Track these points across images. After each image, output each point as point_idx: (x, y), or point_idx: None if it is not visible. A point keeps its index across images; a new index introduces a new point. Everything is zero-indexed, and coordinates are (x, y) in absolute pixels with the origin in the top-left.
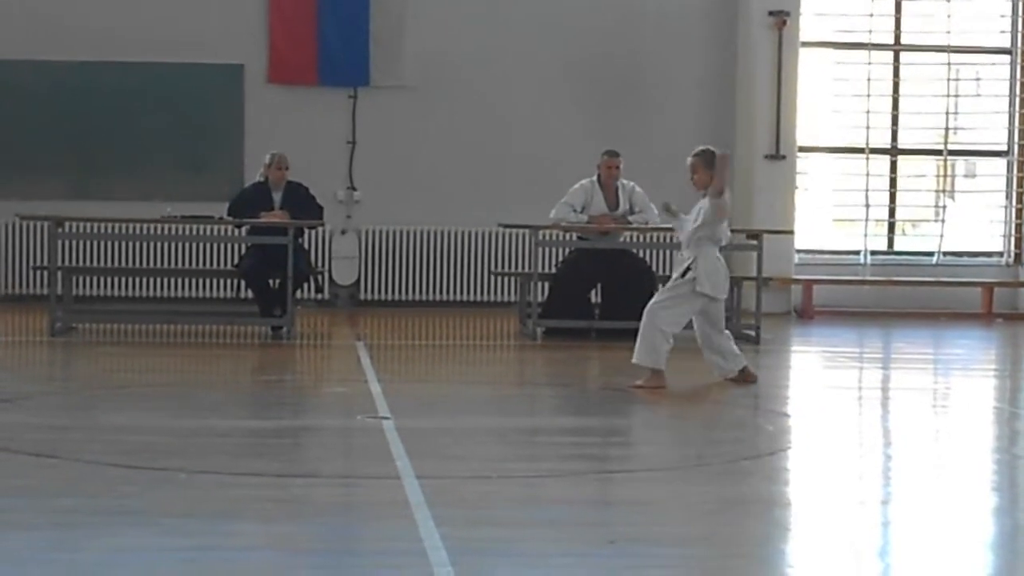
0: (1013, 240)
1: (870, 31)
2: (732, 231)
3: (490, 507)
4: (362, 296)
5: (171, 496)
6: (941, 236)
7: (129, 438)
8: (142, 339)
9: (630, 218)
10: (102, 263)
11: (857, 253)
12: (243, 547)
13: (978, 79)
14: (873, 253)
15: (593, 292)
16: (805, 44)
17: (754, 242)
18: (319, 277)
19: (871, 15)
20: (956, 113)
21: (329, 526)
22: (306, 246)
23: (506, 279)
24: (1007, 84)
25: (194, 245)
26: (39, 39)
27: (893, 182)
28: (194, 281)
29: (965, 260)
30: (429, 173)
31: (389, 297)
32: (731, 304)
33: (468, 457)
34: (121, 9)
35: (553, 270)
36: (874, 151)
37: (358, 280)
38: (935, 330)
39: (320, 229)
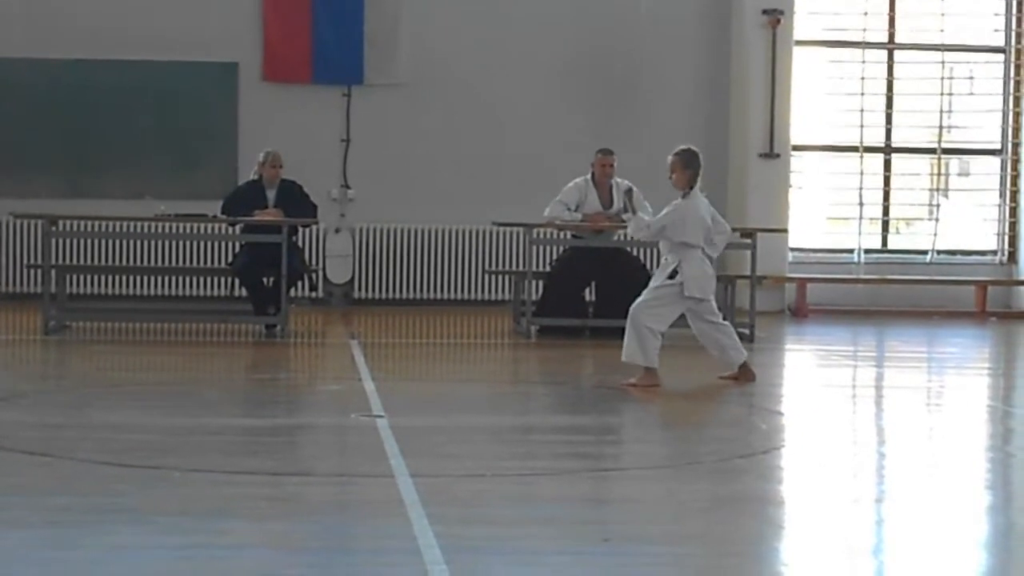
0: (1006, 238)
1: (864, 29)
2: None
3: (484, 505)
4: (356, 294)
5: (165, 494)
6: (935, 234)
7: (123, 436)
8: (136, 337)
9: (624, 217)
10: (96, 261)
11: (851, 251)
12: (237, 545)
13: (972, 77)
14: (867, 251)
15: (587, 290)
16: (799, 43)
17: (748, 240)
18: (313, 275)
19: (865, 13)
20: (950, 111)
21: (323, 524)
22: (300, 244)
23: (500, 277)
24: (1001, 82)
25: (188, 243)
26: (33, 37)
27: (887, 180)
28: (188, 279)
29: (959, 258)
30: (423, 171)
31: (383, 295)
32: (725, 302)
33: (462, 455)
34: (115, 7)
35: (547, 268)
36: (868, 149)
37: (352, 278)
38: (929, 328)
39: (314, 227)
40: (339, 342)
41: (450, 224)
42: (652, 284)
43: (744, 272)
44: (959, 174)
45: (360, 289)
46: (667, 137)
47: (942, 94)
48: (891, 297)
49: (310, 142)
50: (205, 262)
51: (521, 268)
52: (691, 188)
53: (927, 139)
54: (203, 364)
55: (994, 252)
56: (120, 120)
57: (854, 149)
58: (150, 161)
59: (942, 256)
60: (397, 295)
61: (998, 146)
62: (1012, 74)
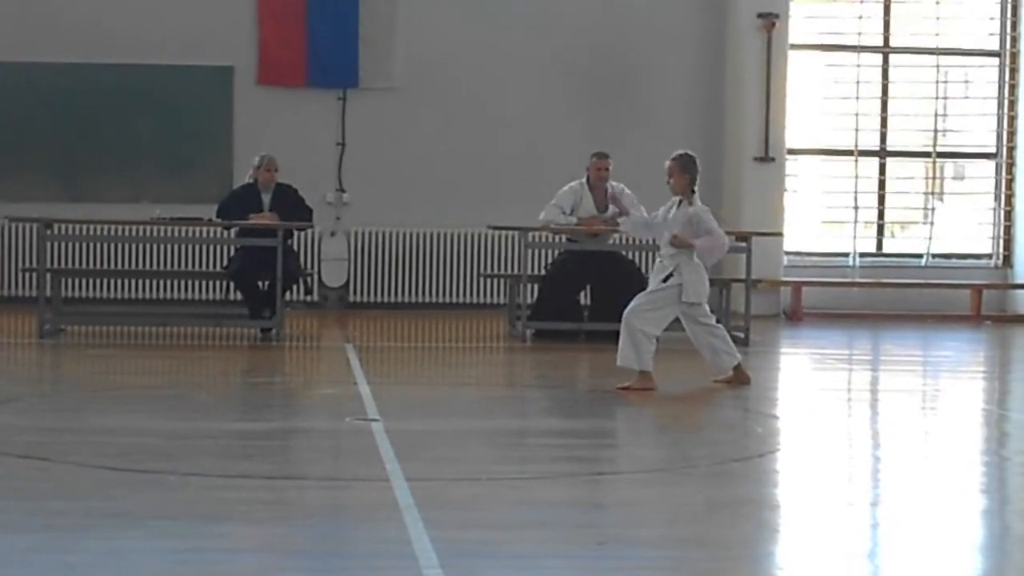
0: (1002, 242)
1: (859, 33)
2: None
3: (479, 509)
4: (351, 298)
5: (161, 498)
6: (930, 238)
7: (119, 440)
8: (131, 341)
9: (619, 220)
10: (91, 265)
11: (846, 255)
12: (232, 549)
13: (967, 81)
14: (862, 255)
15: (582, 294)
16: (794, 46)
17: (743, 244)
18: (308, 279)
19: (860, 17)
20: (945, 115)
21: (318, 528)
22: (295, 248)
23: (495, 281)
24: (996, 86)
25: (183, 247)
26: (28, 40)
27: (882, 184)
28: (183, 283)
29: (954, 262)
30: (418, 175)
31: (378, 299)
32: (720, 306)
33: (457, 459)
34: (110, 11)
35: (542, 272)
36: (863, 153)
37: (347, 282)
38: (924, 332)
39: (309, 231)
40: (334, 346)
41: (445, 228)
42: (649, 288)
43: (739, 276)
44: (954, 178)
45: (355, 293)
46: (662, 141)
47: (937, 98)
48: (886, 301)
49: (305, 146)
50: (200, 266)
51: (516, 272)
52: (692, 192)
53: (922, 143)
54: (198, 368)
55: (989, 256)
56: (115, 124)
57: (849, 153)
58: (145, 165)
59: (937, 260)
60: (392, 299)
61: (993, 150)
62: (1007, 78)
